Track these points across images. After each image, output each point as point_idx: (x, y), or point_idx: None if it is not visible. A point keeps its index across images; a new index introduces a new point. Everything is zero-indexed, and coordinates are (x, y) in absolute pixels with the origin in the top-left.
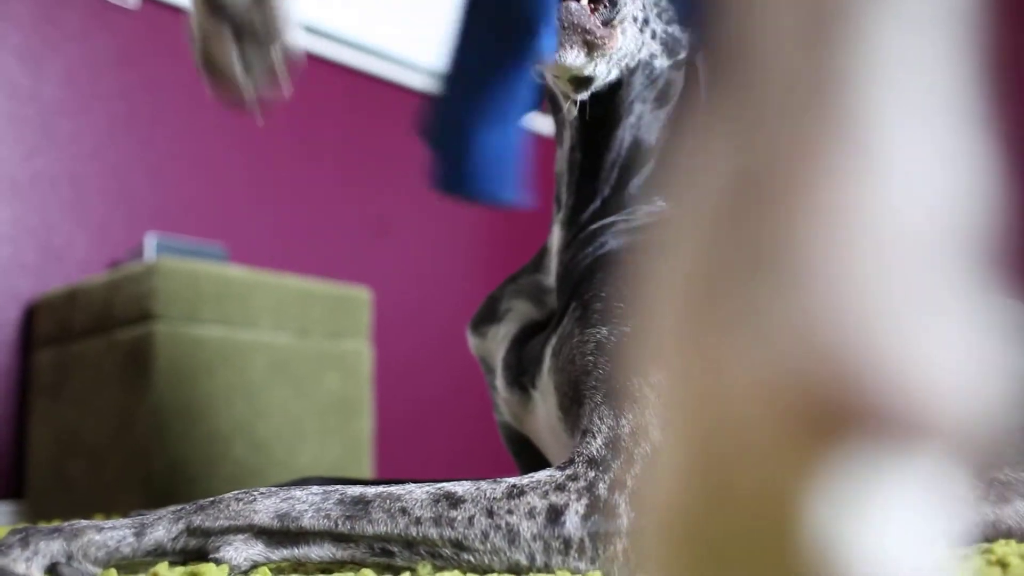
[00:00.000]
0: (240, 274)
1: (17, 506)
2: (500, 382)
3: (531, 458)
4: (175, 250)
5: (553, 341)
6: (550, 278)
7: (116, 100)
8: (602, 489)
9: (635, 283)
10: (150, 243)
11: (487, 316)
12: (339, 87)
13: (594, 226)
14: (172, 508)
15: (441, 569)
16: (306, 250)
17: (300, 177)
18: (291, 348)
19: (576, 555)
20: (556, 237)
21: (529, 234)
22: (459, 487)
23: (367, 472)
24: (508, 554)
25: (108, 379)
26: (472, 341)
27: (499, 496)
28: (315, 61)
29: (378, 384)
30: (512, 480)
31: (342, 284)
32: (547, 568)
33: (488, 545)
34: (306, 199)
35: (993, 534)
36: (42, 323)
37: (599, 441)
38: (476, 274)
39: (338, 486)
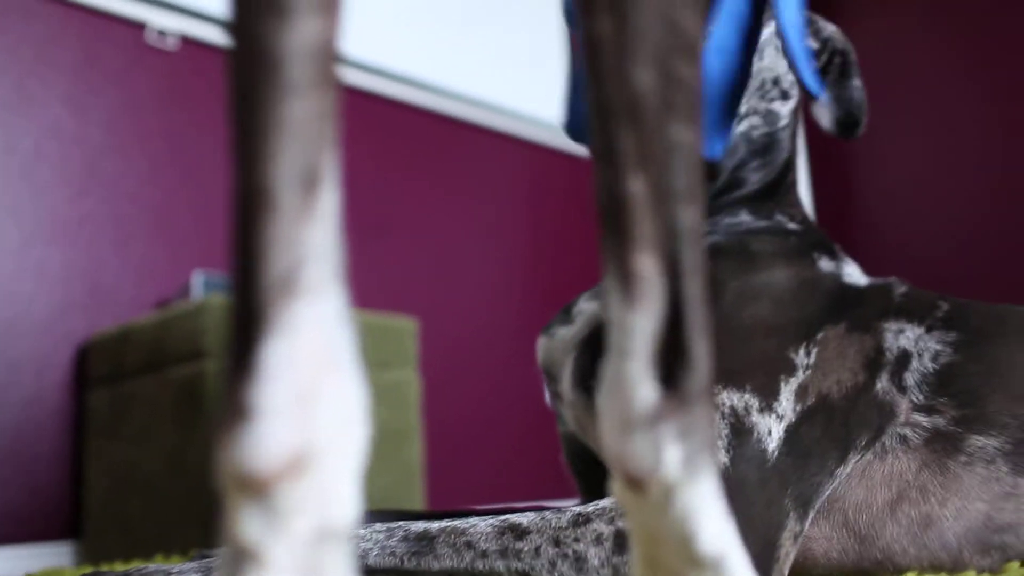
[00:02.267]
0: None
1: (75, 546)
2: (566, 385)
3: (593, 474)
4: (223, 287)
5: None
6: None
7: (158, 140)
8: None
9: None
10: (197, 281)
11: (559, 319)
12: (376, 114)
13: None
14: None
15: None
16: (351, 281)
17: (344, 208)
18: None
19: None
20: None
21: (577, 263)
22: (523, 518)
23: (419, 500)
24: None
25: (162, 417)
26: (540, 346)
27: (564, 525)
28: (356, 92)
29: (426, 412)
30: (577, 508)
31: (388, 315)
32: None
33: (556, 574)
34: (350, 229)
35: None
36: (95, 363)
37: None
38: (522, 300)
39: (401, 523)
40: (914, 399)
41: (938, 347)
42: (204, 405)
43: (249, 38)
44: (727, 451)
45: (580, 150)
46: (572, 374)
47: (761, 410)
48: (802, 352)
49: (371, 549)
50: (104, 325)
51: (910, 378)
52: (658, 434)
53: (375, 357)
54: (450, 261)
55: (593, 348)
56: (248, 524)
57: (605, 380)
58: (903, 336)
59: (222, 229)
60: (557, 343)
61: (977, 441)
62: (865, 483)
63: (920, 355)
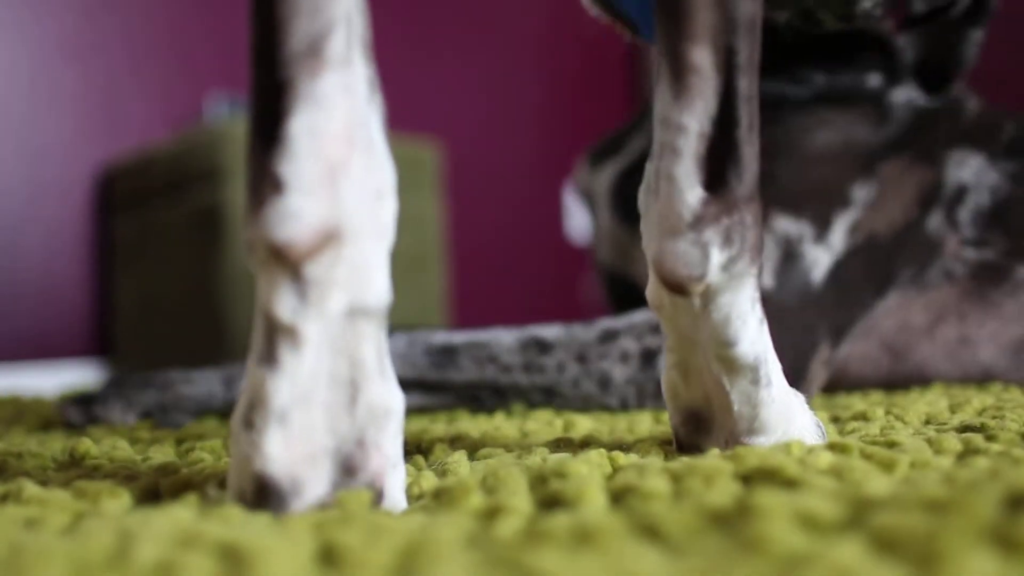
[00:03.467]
0: None
1: (106, 362)
2: (606, 215)
3: (630, 304)
4: (241, 107)
5: None
6: None
7: None
8: None
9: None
10: (214, 103)
11: (610, 148)
12: None
13: None
14: None
15: (534, 409)
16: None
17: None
18: None
19: None
20: None
21: (603, 87)
22: (549, 332)
23: (439, 327)
24: (599, 399)
25: (184, 242)
26: (583, 173)
27: (591, 340)
28: None
29: (453, 236)
30: (606, 323)
31: (410, 140)
32: (639, 409)
33: (579, 391)
34: (377, 51)
35: None
36: (118, 189)
37: None
38: (548, 124)
39: (423, 334)
40: (965, 234)
41: (997, 179)
42: (224, 229)
43: None
44: (775, 276)
45: None
46: (612, 205)
47: (814, 240)
48: (860, 187)
49: (392, 360)
50: (122, 148)
51: (964, 213)
52: (703, 237)
53: (395, 183)
54: (480, 85)
55: (635, 179)
56: (282, 300)
57: (649, 180)
58: (965, 167)
59: (238, 50)
60: (601, 174)
61: (1023, 272)
62: (904, 311)
63: (978, 189)
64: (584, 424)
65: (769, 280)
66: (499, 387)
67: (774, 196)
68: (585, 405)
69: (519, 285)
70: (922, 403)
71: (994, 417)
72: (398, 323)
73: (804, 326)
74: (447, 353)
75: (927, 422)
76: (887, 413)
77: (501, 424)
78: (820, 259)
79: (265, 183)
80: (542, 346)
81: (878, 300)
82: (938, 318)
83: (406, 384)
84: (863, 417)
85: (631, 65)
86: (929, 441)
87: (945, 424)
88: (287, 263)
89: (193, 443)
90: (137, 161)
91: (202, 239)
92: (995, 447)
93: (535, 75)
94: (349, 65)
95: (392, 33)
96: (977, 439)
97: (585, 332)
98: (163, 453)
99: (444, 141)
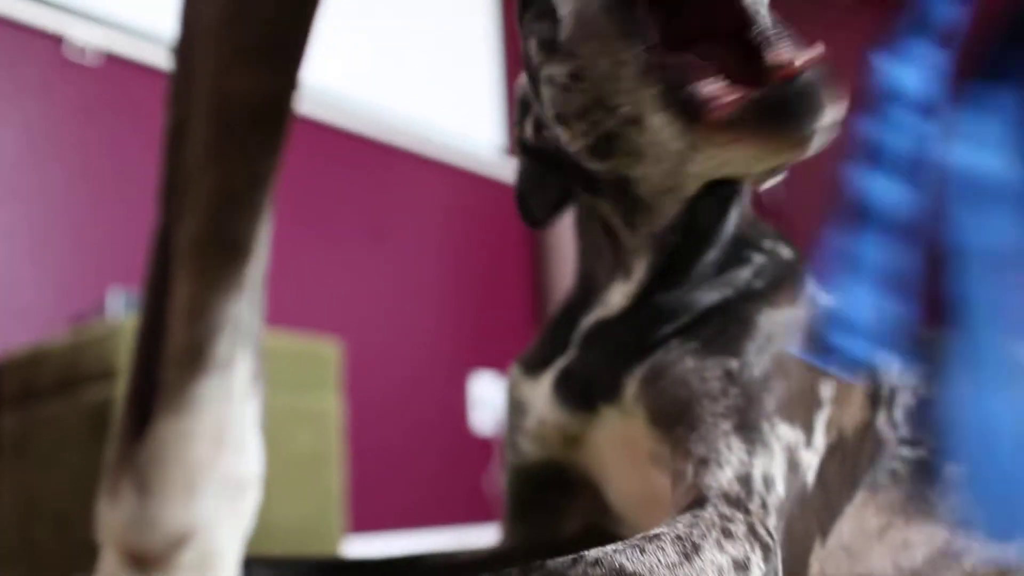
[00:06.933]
0: None
1: None
2: (549, 406)
3: (561, 496)
4: (138, 306)
5: (644, 367)
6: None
7: (76, 154)
8: (763, 532)
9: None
10: (114, 298)
11: (541, 359)
12: (304, 136)
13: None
14: None
15: None
16: (275, 301)
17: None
18: None
19: None
20: (616, 300)
21: (506, 284)
22: (624, 561)
23: (338, 527)
24: None
25: (73, 441)
26: (516, 379)
27: (675, 561)
28: None
29: (352, 435)
30: (671, 533)
31: (310, 338)
32: None
33: None
34: (278, 249)
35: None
36: (6, 384)
37: (729, 474)
38: (447, 322)
39: None
40: (901, 434)
41: (914, 381)
42: (115, 429)
43: None
44: (784, 485)
45: (507, 177)
46: (556, 399)
47: (805, 445)
48: (825, 386)
49: None
50: (18, 342)
51: (898, 412)
52: None
53: (295, 381)
54: (383, 283)
55: (573, 377)
56: None
57: None
58: (890, 369)
59: (139, 246)
60: (537, 383)
61: (952, 469)
62: (862, 513)
63: (904, 389)
64: None
65: (781, 489)
66: None
67: (774, 404)
68: None
69: (422, 480)
70: None
71: None
72: (296, 521)
73: (804, 529)
74: None
75: None
76: None
77: None
78: (811, 463)
79: (127, 477)
80: None
81: (848, 503)
82: (889, 522)
83: None
84: None
85: (534, 262)
86: None
87: None
88: (136, 561)
89: None
90: (29, 355)
91: (92, 440)
92: None
93: (438, 273)
94: (230, 367)
95: (294, 232)
96: None
97: (659, 552)
98: None
99: (345, 339)
